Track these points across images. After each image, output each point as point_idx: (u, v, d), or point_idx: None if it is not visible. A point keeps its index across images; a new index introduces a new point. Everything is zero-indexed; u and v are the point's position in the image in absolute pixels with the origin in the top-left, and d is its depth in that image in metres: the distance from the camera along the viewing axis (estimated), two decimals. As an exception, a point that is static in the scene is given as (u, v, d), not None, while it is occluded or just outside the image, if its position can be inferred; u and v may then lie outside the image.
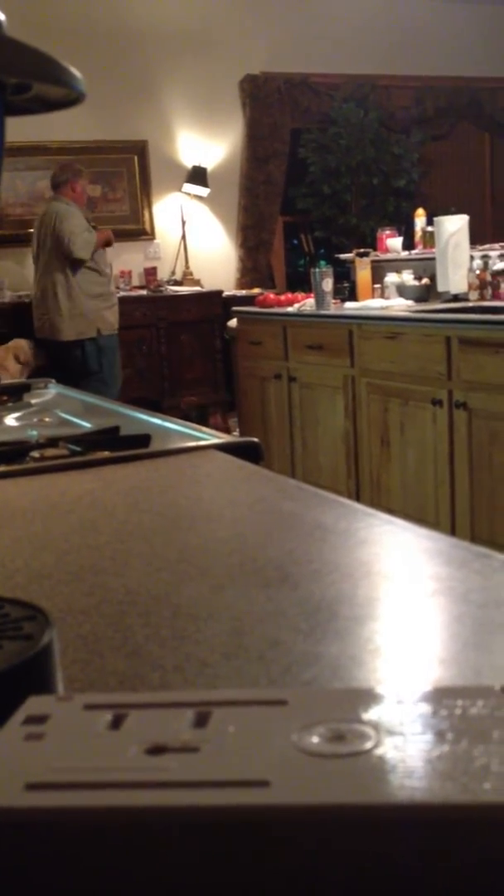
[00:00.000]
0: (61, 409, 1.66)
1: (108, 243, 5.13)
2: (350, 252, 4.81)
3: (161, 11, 6.60)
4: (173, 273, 6.80)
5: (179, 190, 6.79)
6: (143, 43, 6.56)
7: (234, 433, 5.06)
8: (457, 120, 7.67)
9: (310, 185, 7.16)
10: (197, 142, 6.88)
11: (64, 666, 0.52)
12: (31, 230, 5.33)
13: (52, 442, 1.23)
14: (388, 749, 0.32)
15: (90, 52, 6.14)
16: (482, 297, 3.96)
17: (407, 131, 7.33)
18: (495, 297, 3.91)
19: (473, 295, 3.99)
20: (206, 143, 6.91)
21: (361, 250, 4.59)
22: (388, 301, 4.23)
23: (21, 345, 5.18)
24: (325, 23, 7.07)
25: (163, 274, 6.73)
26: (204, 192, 6.79)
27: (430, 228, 4.45)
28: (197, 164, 6.79)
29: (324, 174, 7.08)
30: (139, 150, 6.69)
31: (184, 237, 6.83)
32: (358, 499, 3.75)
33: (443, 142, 7.64)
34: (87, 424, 1.46)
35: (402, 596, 0.65)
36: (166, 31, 6.62)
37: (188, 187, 6.77)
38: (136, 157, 6.69)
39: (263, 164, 7.06)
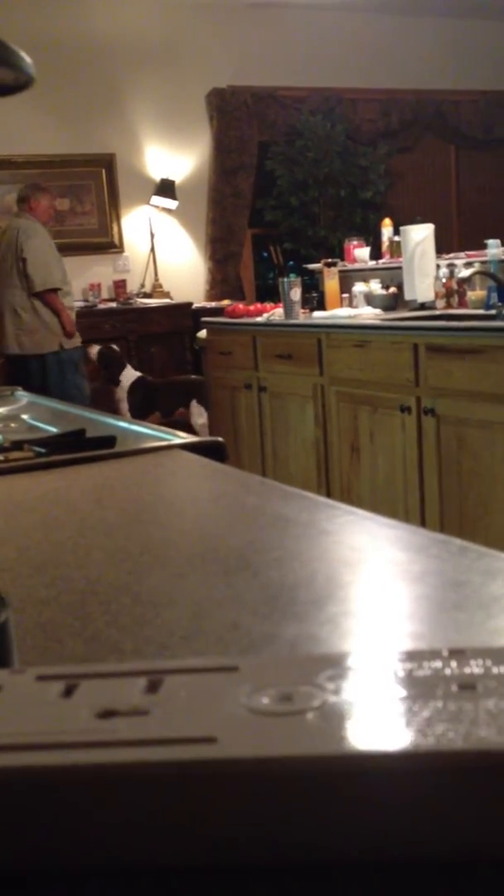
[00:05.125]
0: (28, 415, 1.66)
1: (69, 335, 4.93)
2: (318, 263, 4.84)
3: (127, 25, 6.62)
4: (143, 286, 6.80)
5: (148, 203, 6.81)
6: (109, 56, 6.58)
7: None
8: (422, 132, 7.76)
9: (278, 198, 7.20)
10: (164, 155, 6.90)
11: (23, 652, 0.52)
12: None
13: (18, 445, 1.22)
14: (335, 706, 0.33)
15: (56, 65, 6.14)
16: (448, 305, 4.00)
17: (373, 144, 7.40)
18: (461, 304, 3.94)
19: (440, 303, 4.03)
20: (173, 155, 6.93)
21: (329, 260, 4.61)
22: (356, 310, 4.25)
23: None
24: (291, 37, 7.13)
25: (132, 286, 6.73)
26: (172, 204, 6.80)
27: (396, 238, 4.49)
28: (165, 176, 6.81)
29: (291, 186, 7.12)
30: (107, 163, 6.69)
31: (153, 250, 6.83)
32: (329, 506, 3.74)
33: (408, 153, 7.72)
34: (53, 429, 1.46)
35: (361, 580, 0.66)
36: (133, 45, 6.64)
37: (156, 200, 6.78)
38: (103, 171, 6.69)
39: (231, 177, 7.08)
